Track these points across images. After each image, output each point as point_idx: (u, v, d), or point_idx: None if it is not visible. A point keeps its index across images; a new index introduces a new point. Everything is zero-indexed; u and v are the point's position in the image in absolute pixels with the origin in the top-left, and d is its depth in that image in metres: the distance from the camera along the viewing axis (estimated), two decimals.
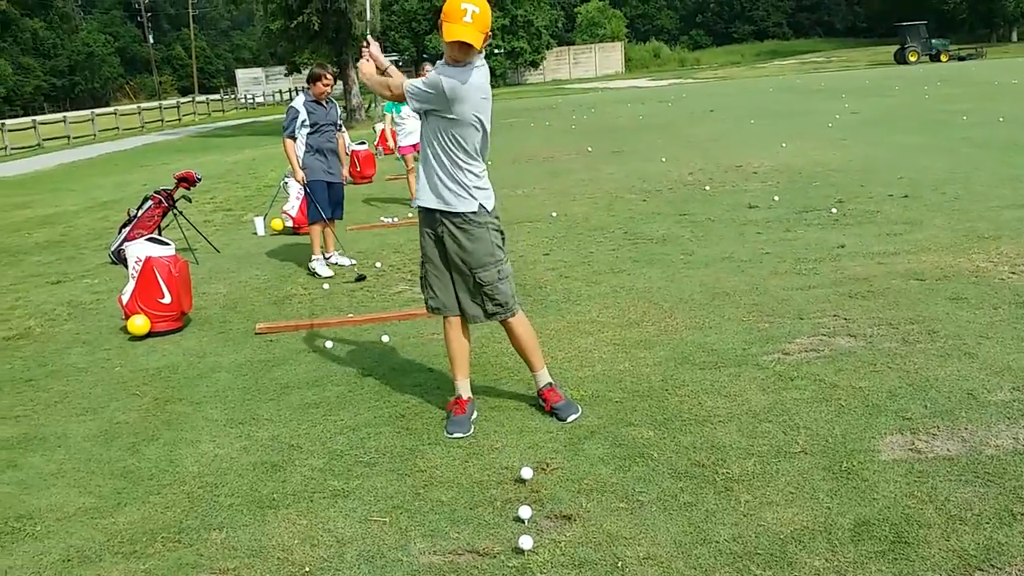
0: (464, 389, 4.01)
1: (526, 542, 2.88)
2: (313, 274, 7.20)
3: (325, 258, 7.37)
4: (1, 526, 3.37)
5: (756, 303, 5.50)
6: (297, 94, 7.30)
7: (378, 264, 7.44)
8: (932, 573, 2.62)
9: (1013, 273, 5.68)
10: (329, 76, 7.15)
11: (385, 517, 3.21)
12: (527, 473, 3.36)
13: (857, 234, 7.14)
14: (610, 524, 3.03)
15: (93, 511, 3.43)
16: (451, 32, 3.51)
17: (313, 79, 7.09)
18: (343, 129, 7.49)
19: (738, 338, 4.86)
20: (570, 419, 3.88)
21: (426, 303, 4.06)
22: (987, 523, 2.86)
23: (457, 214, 3.76)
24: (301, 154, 7.09)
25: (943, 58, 45.15)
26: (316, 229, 7.25)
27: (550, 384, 4.03)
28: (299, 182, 7.27)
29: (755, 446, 3.54)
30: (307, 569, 2.89)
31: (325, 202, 7.18)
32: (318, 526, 3.18)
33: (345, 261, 7.50)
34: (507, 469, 3.49)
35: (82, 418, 4.47)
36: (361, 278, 6.90)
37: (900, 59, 45.78)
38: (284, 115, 7.17)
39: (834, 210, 8.11)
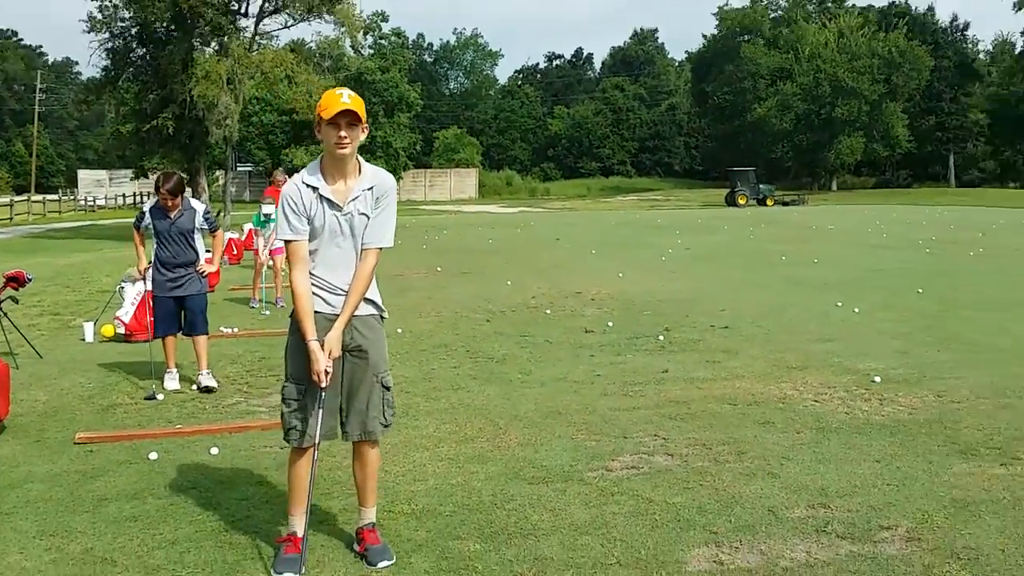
0: (301, 526, 3.68)
1: None
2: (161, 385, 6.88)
3: (196, 375, 6.96)
4: None
5: (586, 422, 5.76)
6: (144, 199, 7.09)
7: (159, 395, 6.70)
8: None
9: (816, 401, 6.22)
10: (165, 193, 6.67)
11: None
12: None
13: (680, 360, 7.62)
14: None
15: None
16: (334, 105, 3.44)
17: (155, 188, 6.84)
18: (214, 229, 7.06)
19: (566, 455, 5.08)
20: (381, 565, 3.63)
21: (294, 432, 3.67)
22: None
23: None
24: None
25: (769, 202, 49.08)
26: (164, 342, 6.93)
27: (374, 524, 3.83)
28: (139, 272, 7.12)
29: (575, 558, 3.69)
30: None
31: (163, 317, 6.89)
32: None
33: (210, 382, 6.86)
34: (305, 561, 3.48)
35: None
36: (151, 397, 6.56)
37: (730, 201, 49.43)
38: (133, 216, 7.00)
39: (661, 337, 8.63)
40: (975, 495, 4.35)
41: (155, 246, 6.87)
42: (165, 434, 5.61)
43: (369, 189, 3.63)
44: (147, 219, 6.86)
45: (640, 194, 68.41)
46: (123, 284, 9.43)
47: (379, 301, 3.82)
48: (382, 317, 3.83)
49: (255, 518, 4.19)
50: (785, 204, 49.44)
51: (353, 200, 3.59)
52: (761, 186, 50.92)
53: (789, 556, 3.70)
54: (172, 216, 6.83)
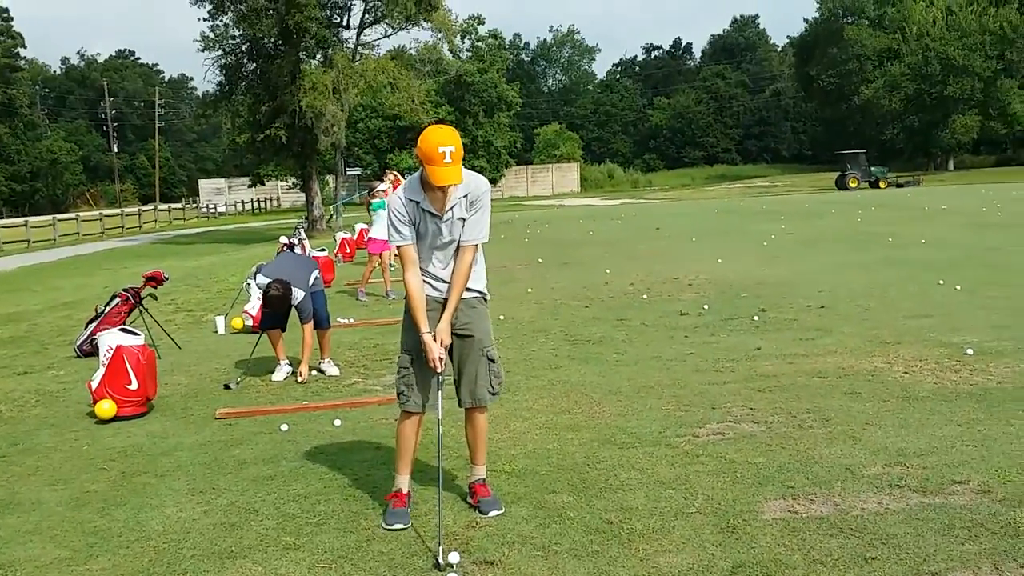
0: (406, 484, 4.24)
1: None
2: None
3: (319, 363, 7.58)
4: None
5: (676, 395, 6.09)
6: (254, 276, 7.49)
7: (299, 377, 7.33)
8: None
9: (906, 373, 6.37)
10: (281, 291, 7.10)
11: (331, 565, 3.65)
12: (455, 558, 3.56)
13: (774, 339, 7.83)
14: (527, 568, 3.52)
15: (68, 561, 3.83)
16: (438, 177, 3.86)
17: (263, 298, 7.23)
18: (306, 319, 7.36)
19: (656, 424, 5.43)
20: (492, 514, 4.09)
21: (403, 396, 4.20)
22: (843, 565, 3.40)
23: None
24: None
25: (882, 185, 47.54)
26: (270, 335, 7.48)
27: (484, 480, 4.32)
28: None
29: (658, 508, 4.07)
30: None
31: (270, 313, 7.38)
32: (271, 573, 3.61)
33: (333, 371, 7.51)
34: (442, 527, 3.95)
35: (54, 487, 4.86)
36: (227, 387, 7.08)
37: (841, 185, 48.16)
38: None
39: (756, 318, 8.83)
40: None
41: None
42: (294, 409, 6.25)
43: (464, 196, 4.09)
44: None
45: (746, 181, 67.31)
46: (249, 281, 10.23)
47: (482, 286, 4.29)
48: (485, 299, 4.30)
49: (374, 477, 4.72)
50: (899, 186, 47.80)
51: (451, 208, 4.07)
52: (873, 168, 49.40)
53: (861, 507, 3.97)
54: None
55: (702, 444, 4.98)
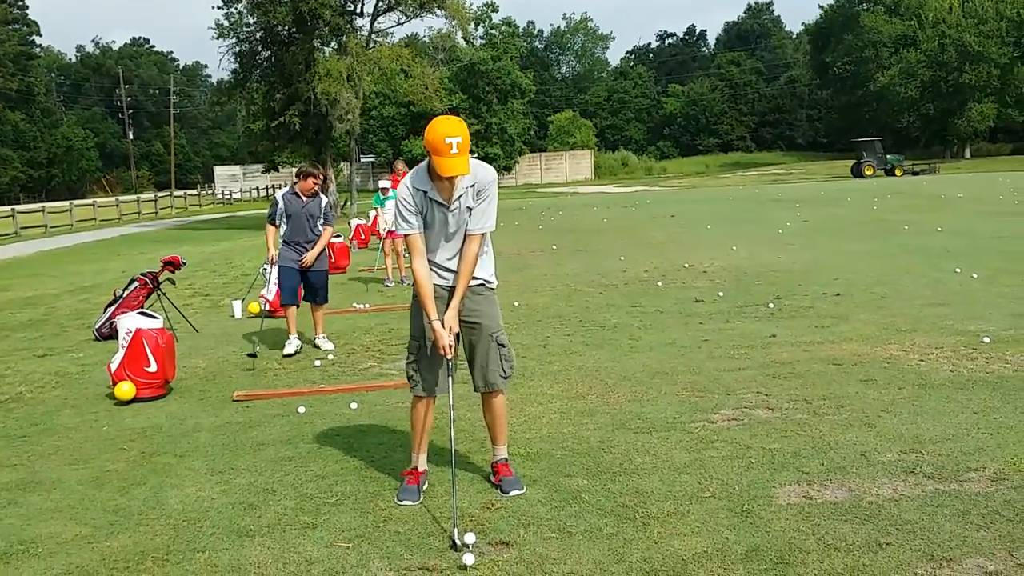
0: (422, 463, 4.34)
1: (469, 559, 3.40)
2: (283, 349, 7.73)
3: (314, 339, 8.03)
4: (7, 547, 3.82)
5: (691, 381, 6.10)
6: (280, 188, 7.97)
7: (317, 362, 7.42)
8: None
9: (922, 360, 6.35)
10: (319, 177, 7.76)
11: (348, 544, 3.70)
12: (471, 538, 3.60)
13: (789, 326, 7.82)
14: (542, 549, 3.55)
15: (89, 537, 3.89)
16: (445, 167, 3.87)
17: (303, 175, 7.71)
18: (328, 223, 7.86)
19: (670, 409, 5.45)
20: (512, 493, 4.15)
21: (412, 380, 4.27)
22: (857, 550, 3.42)
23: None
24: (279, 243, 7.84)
25: (897, 172, 47.28)
26: (287, 311, 7.93)
27: (506, 459, 4.41)
28: (270, 261, 7.89)
29: (673, 492, 4.09)
30: None
31: (291, 288, 7.80)
32: (289, 551, 3.65)
33: (327, 345, 7.92)
34: (456, 508, 3.99)
35: (74, 467, 4.93)
36: (252, 355, 7.28)
37: (856, 173, 47.92)
38: (267, 207, 7.89)
39: (771, 305, 8.82)
40: None
41: (285, 227, 7.76)
42: (310, 392, 6.31)
43: (471, 186, 4.10)
44: (280, 205, 7.72)
45: (761, 169, 66.99)
46: (265, 266, 10.29)
47: (488, 274, 4.29)
48: (491, 286, 4.31)
49: (390, 459, 4.76)
50: (915, 174, 47.53)
51: (458, 198, 4.09)
52: (888, 156, 49.12)
53: (876, 492, 3.98)
54: (304, 200, 7.68)
55: (717, 430, 4.99)
